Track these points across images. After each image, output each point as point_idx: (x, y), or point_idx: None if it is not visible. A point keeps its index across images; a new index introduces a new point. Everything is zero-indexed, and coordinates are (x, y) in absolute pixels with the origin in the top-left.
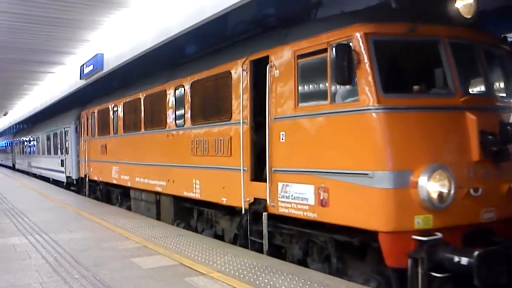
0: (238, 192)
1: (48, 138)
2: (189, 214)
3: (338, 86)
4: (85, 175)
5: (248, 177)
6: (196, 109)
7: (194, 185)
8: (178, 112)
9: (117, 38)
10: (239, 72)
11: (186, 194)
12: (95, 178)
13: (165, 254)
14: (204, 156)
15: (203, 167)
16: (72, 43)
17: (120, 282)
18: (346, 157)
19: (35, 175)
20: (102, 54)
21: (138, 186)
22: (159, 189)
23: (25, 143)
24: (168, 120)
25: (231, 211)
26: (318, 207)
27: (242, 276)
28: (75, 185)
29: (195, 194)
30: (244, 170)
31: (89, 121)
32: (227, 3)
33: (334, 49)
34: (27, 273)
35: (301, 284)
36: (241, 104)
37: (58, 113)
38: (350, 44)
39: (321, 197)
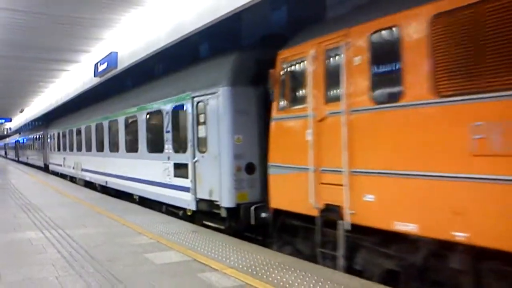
0: None
1: (128, 123)
2: None
3: None
4: (324, 210)
5: None
6: None
7: None
8: None
9: (131, 36)
10: None
11: None
12: (399, 227)
13: (178, 250)
14: None
15: None
16: (87, 41)
17: (133, 277)
18: None
19: (89, 183)
20: (116, 53)
21: None
22: None
23: (69, 134)
24: None
25: None
26: None
27: (255, 272)
28: (227, 220)
29: None
30: None
31: (358, 61)
32: (241, 1)
33: None
34: (43, 267)
35: (313, 281)
36: None
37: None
38: None
39: None
